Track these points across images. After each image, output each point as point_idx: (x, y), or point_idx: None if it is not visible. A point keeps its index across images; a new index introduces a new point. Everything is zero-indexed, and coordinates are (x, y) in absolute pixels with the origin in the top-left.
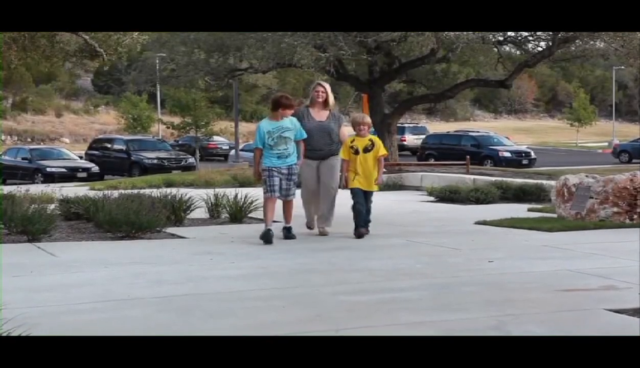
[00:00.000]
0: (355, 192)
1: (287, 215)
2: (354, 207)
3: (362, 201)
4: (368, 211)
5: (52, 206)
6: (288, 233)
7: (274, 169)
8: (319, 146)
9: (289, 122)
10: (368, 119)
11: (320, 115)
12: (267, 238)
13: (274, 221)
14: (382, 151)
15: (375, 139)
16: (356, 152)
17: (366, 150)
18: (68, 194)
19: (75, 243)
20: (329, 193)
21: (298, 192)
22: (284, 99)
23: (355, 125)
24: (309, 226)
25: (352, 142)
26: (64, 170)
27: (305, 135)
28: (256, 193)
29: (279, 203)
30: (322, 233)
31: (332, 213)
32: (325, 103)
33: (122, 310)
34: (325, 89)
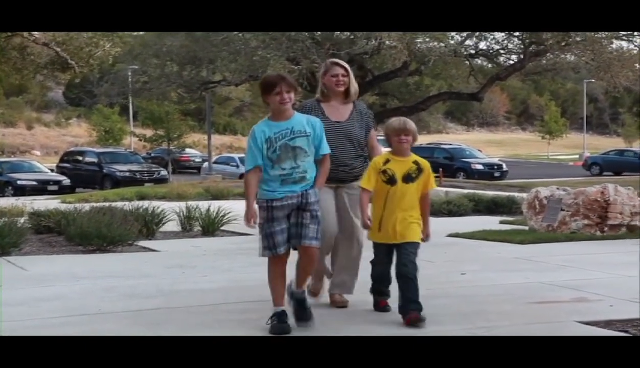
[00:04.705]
0: (378, 249)
1: (301, 276)
2: (372, 267)
3: (384, 261)
4: (406, 277)
5: (23, 219)
6: (301, 311)
7: (274, 203)
8: (338, 160)
9: (305, 122)
10: (412, 125)
11: (338, 113)
12: (281, 329)
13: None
14: (433, 183)
15: (424, 162)
16: (390, 181)
17: (408, 178)
18: (39, 207)
19: (46, 257)
20: (353, 240)
21: None
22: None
23: (393, 134)
24: (315, 291)
25: (385, 163)
26: (35, 183)
27: (328, 150)
28: (229, 205)
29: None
30: (340, 304)
31: (356, 275)
32: (347, 94)
33: (93, 324)
34: (346, 71)
